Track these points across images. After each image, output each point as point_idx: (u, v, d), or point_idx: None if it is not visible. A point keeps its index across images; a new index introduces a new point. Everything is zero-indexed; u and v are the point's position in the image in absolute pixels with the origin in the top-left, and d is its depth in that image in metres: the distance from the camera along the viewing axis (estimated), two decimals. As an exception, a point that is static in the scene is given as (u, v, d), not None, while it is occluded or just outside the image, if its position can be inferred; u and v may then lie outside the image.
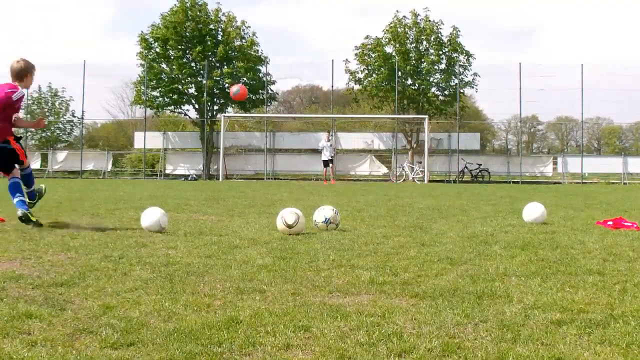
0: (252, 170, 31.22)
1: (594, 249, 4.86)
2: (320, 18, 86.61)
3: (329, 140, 24.94)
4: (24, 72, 6.17)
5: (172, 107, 32.48)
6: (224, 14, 31.61)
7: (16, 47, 72.98)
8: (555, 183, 27.08)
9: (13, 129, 6.34)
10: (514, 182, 27.89)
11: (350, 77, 30.90)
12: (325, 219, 6.09)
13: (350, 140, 31.49)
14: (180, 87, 30.62)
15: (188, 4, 30.66)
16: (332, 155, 24.88)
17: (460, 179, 28.31)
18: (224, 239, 5.32)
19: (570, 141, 51.04)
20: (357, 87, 31.06)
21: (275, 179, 29.80)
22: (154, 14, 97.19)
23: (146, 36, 31.15)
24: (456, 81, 29.91)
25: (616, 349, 2.29)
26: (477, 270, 3.87)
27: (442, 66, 30.40)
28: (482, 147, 37.22)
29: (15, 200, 6.12)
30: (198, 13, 30.78)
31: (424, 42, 30.33)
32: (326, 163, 24.70)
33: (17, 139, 6.48)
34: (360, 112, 35.40)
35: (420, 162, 28.25)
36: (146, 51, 30.95)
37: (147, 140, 31.49)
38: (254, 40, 31.61)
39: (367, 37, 30.72)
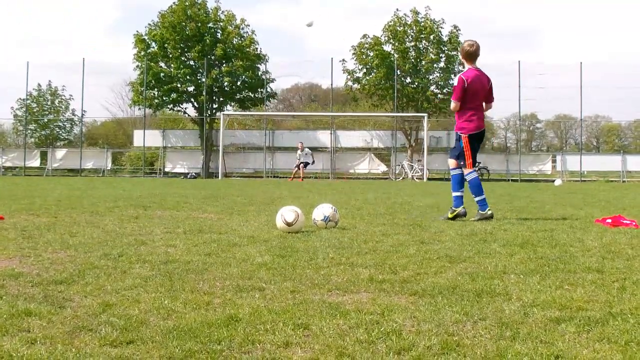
0: (251, 168, 31.24)
1: (592, 246, 4.86)
2: (319, 18, 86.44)
3: (302, 150, 26.86)
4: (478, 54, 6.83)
5: (171, 105, 32.48)
6: (223, 12, 31.58)
7: (15, 47, 72.87)
8: (554, 181, 27.08)
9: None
10: (513, 180, 27.90)
11: (349, 76, 30.88)
12: (325, 217, 6.09)
13: (350, 138, 31.50)
14: (179, 85, 30.58)
15: (187, 3, 30.60)
16: (308, 161, 26.84)
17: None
18: (223, 236, 5.32)
19: (569, 139, 51.08)
20: (355, 86, 31.06)
21: (274, 177, 29.79)
22: (153, 12, 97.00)
23: (143, 36, 31.11)
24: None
25: (615, 347, 2.30)
26: (476, 268, 3.87)
27: (442, 65, 30.39)
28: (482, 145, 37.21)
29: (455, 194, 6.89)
30: (197, 12, 30.72)
31: (424, 41, 30.31)
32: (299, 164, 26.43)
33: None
34: (360, 111, 35.40)
35: (420, 160, 28.26)
36: (143, 52, 30.92)
37: (146, 139, 31.49)
38: (253, 38, 31.58)
39: (364, 36, 30.70)
